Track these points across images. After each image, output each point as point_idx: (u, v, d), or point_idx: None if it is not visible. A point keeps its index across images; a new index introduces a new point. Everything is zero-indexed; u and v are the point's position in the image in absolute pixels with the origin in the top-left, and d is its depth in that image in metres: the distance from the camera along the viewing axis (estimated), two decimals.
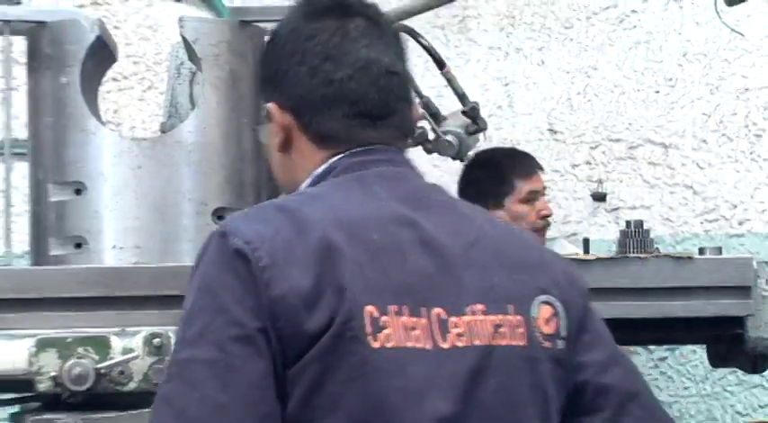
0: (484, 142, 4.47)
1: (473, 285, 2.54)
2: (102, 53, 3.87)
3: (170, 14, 5.79)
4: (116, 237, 3.76)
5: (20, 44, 3.92)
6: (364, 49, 2.66)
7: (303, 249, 2.38)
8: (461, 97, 4.22)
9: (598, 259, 3.79)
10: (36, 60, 3.86)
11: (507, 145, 6.28)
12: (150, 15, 6.30)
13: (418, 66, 4.23)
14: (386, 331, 2.38)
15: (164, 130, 4.15)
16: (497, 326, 2.52)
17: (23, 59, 3.92)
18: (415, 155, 4.47)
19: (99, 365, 3.40)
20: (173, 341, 3.37)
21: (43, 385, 3.42)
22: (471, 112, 4.19)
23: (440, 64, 4.24)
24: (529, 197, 5.37)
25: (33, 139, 3.89)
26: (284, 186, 2.75)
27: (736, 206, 6.50)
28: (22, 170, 3.90)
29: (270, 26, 3.99)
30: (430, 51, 4.21)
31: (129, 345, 3.44)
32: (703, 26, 6.48)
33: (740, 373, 6.02)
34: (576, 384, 2.67)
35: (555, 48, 6.56)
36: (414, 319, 2.43)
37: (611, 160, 6.48)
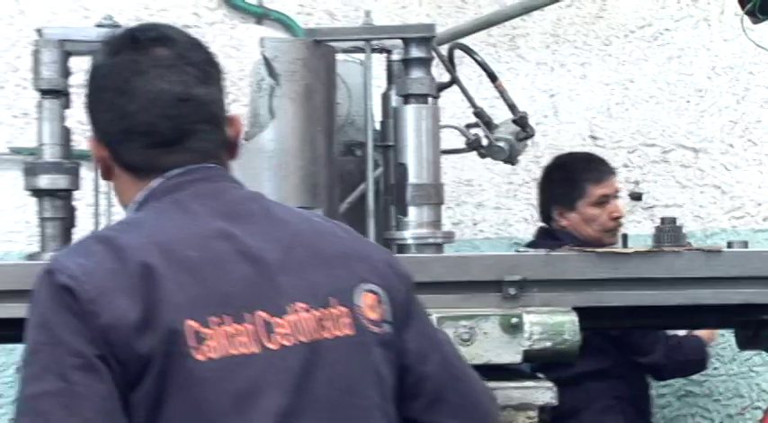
0: (531, 148, 4.47)
1: (293, 285, 2.50)
2: None
3: (252, 35, 5.81)
4: None
5: None
6: (155, 81, 2.56)
7: (125, 277, 2.32)
8: (512, 107, 4.23)
9: (636, 252, 3.79)
10: None
11: (553, 151, 6.28)
12: (234, 36, 6.31)
13: (473, 79, 4.27)
14: (208, 342, 2.32)
15: (246, 138, 4.14)
16: (320, 320, 2.48)
17: None
18: (470, 159, 4.53)
19: None
20: None
21: None
22: (520, 121, 4.21)
23: (492, 78, 4.25)
24: (600, 201, 5.31)
25: None
26: (125, 209, 2.64)
27: (760, 204, 6.47)
28: None
29: (342, 45, 4.03)
30: (483, 66, 4.23)
31: None
32: (730, 42, 6.45)
33: (764, 354, 6.03)
34: (401, 368, 2.63)
35: (596, 63, 6.54)
36: (238, 327, 2.38)
37: (646, 163, 6.44)
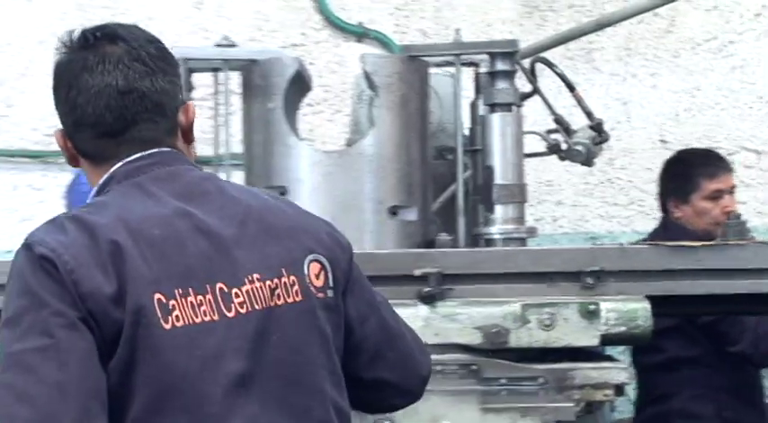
0: (606, 151, 4.44)
1: (248, 258, 2.52)
2: (300, 84, 3.91)
3: (353, 53, 5.82)
4: None
5: (236, 78, 3.98)
6: (99, 76, 2.56)
7: (98, 253, 2.35)
8: (588, 114, 4.22)
9: (703, 245, 3.77)
10: (249, 90, 3.93)
11: (625, 154, 6.27)
12: (337, 54, 6.34)
13: (552, 90, 4.25)
14: (175, 313, 2.37)
15: (349, 144, 4.17)
16: (273, 289, 2.52)
17: (239, 90, 3.97)
18: (550, 161, 4.52)
19: None
20: None
21: None
22: (596, 127, 4.19)
23: (570, 88, 4.24)
24: (713, 195, 5.11)
25: (247, 153, 3.96)
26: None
27: None
28: (238, 177, 3.95)
29: (434, 59, 4.04)
30: (562, 78, 4.21)
31: None
32: None
33: None
34: (345, 330, 2.68)
35: (665, 73, 6.50)
36: (200, 297, 2.42)
37: None
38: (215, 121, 4.00)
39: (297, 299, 2.57)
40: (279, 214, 2.69)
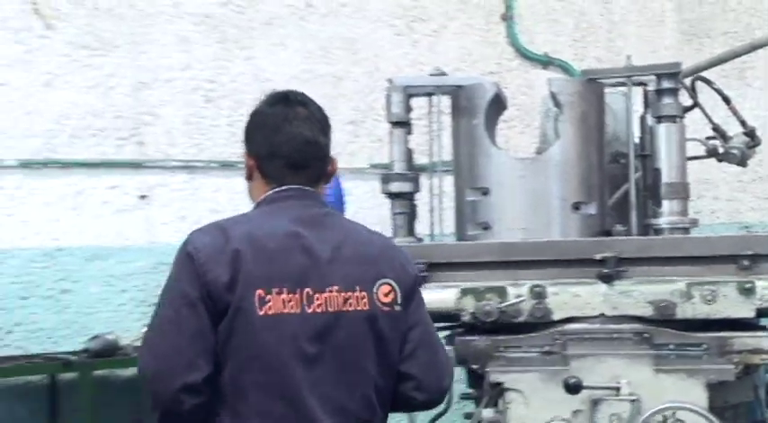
0: (758, 154, 4.36)
1: (333, 274, 2.88)
2: (497, 104, 3.92)
3: (540, 77, 5.84)
4: (509, 222, 3.82)
5: (446, 101, 4.01)
6: (296, 128, 2.97)
7: (224, 255, 2.78)
8: (742, 123, 4.19)
9: None
10: (457, 110, 3.96)
11: None
12: (527, 78, 6.38)
13: (710, 103, 4.19)
14: (269, 304, 2.80)
15: (538, 152, 4.17)
16: (346, 299, 2.89)
17: (448, 110, 4.01)
18: (708, 164, 4.45)
19: (500, 305, 3.51)
20: (549, 291, 3.56)
21: (465, 318, 3.57)
22: (750, 133, 4.18)
23: (726, 101, 4.20)
24: None
25: (455, 161, 3.98)
26: (253, 202, 3.02)
27: None
28: (448, 181, 4.00)
29: (609, 81, 4.02)
30: (719, 92, 4.18)
31: (520, 292, 3.54)
32: None
33: None
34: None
35: None
36: (290, 296, 2.83)
37: None
38: (429, 135, 4.04)
39: (364, 308, 2.92)
40: (367, 246, 3.04)
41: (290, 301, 2.86)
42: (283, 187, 3.00)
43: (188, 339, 2.77)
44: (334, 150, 4.95)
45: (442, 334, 3.62)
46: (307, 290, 2.86)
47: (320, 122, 3.11)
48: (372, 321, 2.93)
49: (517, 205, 3.85)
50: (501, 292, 3.54)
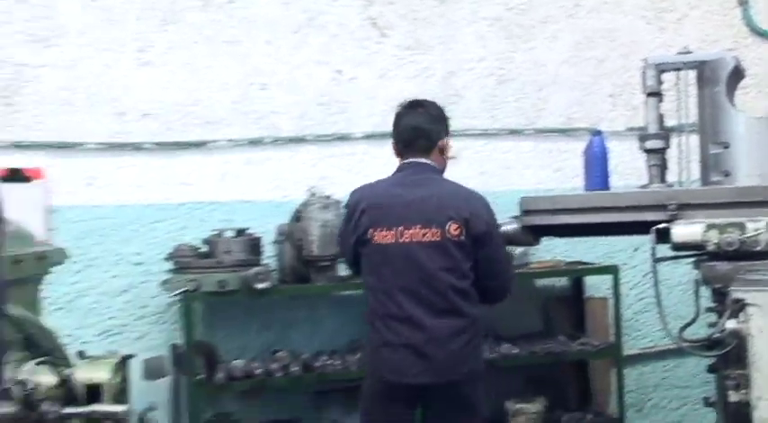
0: None
1: (418, 217, 3.64)
2: (736, 75, 3.83)
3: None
4: (746, 170, 3.74)
5: (692, 74, 3.95)
6: (407, 120, 3.82)
7: (359, 206, 3.76)
8: None
9: None
10: (701, 81, 3.88)
11: None
12: (760, 53, 6.14)
13: None
14: (377, 236, 3.68)
15: None
16: (425, 234, 3.63)
17: (693, 82, 3.95)
18: None
19: (741, 237, 3.42)
20: None
21: (710, 248, 3.46)
22: None
23: None
24: None
25: (700, 121, 3.91)
26: None
27: None
28: (693, 139, 3.96)
29: None
30: None
31: (757, 226, 3.43)
32: None
33: None
34: (474, 254, 3.65)
35: None
36: (389, 232, 3.66)
37: None
38: (677, 103, 4.00)
39: (437, 239, 3.61)
40: (446, 199, 3.67)
41: (386, 235, 3.67)
42: (405, 161, 3.80)
43: (349, 248, 3.89)
44: (597, 118, 5.16)
45: (689, 261, 3.61)
46: (400, 228, 3.66)
47: (431, 116, 3.82)
48: (444, 246, 3.61)
49: (753, 156, 3.74)
50: (741, 227, 3.43)
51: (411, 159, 3.76)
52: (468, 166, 5.50)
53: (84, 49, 4.97)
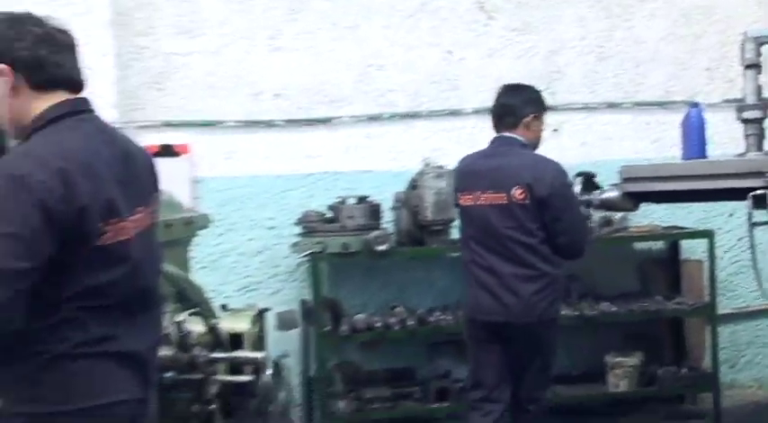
0: None
1: (490, 183, 3.77)
2: None
3: None
4: None
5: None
6: (498, 99, 3.95)
7: (457, 172, 4.08)
8: None
9: None
10: None
11: None
12: None
13: None
14: (462, 200, 3.92)
15: None
16: (495, 197, 3.75)
17: None
18: None
19: None
20: None
21: None
22: None
23: None
24: None
25: None
26: None
27: None
28: None
29: None
30: None
31: None
32: None
33: None
34: (542, 216, 3.70)
35: None
36: (472, 194, 3.83)
37: None
38: None
39: (504, 202, 3.73)
40: (519, 166, 3.75)
41: (470, 198, 3.85)
42: (495, 135, 3.89)
43: None
44: (694, 91, 4.96)
45: None
46: (477, 192, 3.81)
47: (519, 96, 3.89)
48: (509, 208, 3.72)
49: None
50: None
51: (500, 134, 3.89)
52: (570, 137, 5.42)
53: (223, 39, 5.11)
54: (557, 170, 3.76)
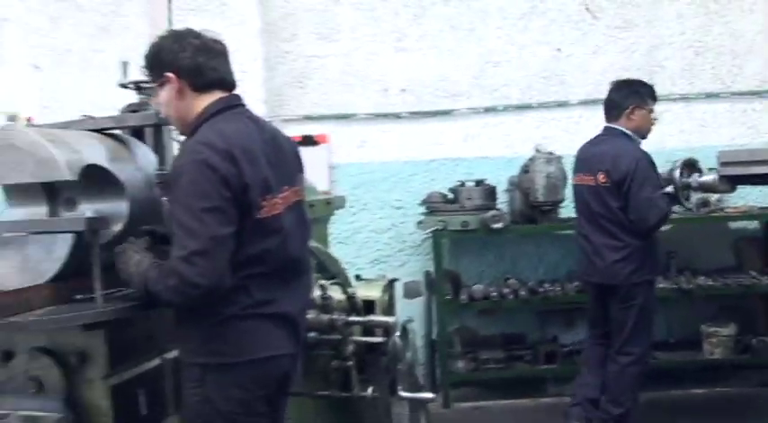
0: None
1: (587, 167, 3.87)
2: None
3: None
4: None
5: None
6: (609, 94, 4.02)
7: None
8: None
9: None
10: None
11: None
12: None
13: None
14: (573, 180, 4.11)
15: None
16: (588, 180, 3.84)
17: None
18: None
19: None
20: None
21: None
22: None
23: None
24: None
25: None
26: None
27: None
28: None
29: None
30: None
31: None
32: None
33: None
34: (621, 195, 3.73)
35: None
36: (576, 177, 4.01)
37: None
38: None
39: (592, 184, 3.82)
40: (606, 153, 3.80)
41: (576, 179, 4.00)
42: (604, 126, 3.93)
43: None
44: None
45: None
46: (580, 174, 3.93)
47: (622, 89, 3.88)
48: (596, 190, 3.82)
49: None
50: None
51: (606, 124, 3.97)
52: (669, 125, 5.21)
53: (355, 42, 5.14)
54: (632, 159, 3.77)
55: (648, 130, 3.99)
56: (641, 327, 3.89)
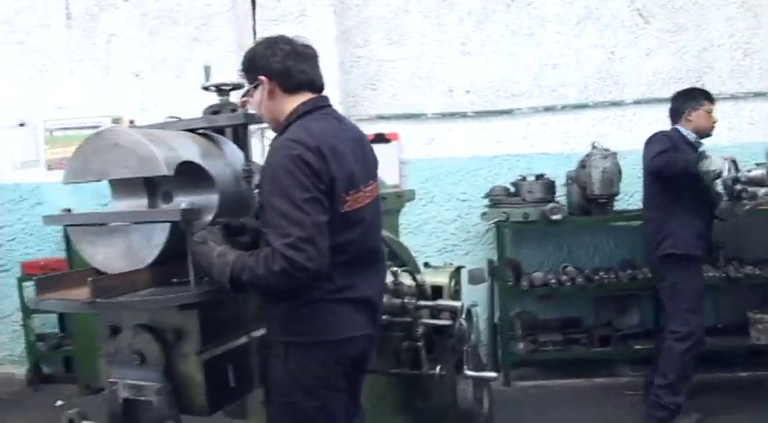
0: None
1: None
2: None
3: None
4: None
5: None
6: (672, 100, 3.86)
7: None
8: None
9: None
10: None
11: None
12: None
13: None
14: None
15: None
16: None
17: None
18: None
19: None
20: None
21: None
22: None
23: None
24: None
25: None
26: None
27: None
28: None
29: None
30: None
31: None
32: None
33: None
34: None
35: None
36: None
37: None
38: None
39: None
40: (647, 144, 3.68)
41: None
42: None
43: None
44: None
45: None
46: None
47: (680, 96, 3.83)
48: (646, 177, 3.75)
49: None
50: None
51: (672, 126, 3.89)
52: (719, 123, 4.90)
53: (423, 47, 5.07)
54: (651, 150, 3.74)
55: (708, 129, 3.92)
56: (680, 306, 3.71)
